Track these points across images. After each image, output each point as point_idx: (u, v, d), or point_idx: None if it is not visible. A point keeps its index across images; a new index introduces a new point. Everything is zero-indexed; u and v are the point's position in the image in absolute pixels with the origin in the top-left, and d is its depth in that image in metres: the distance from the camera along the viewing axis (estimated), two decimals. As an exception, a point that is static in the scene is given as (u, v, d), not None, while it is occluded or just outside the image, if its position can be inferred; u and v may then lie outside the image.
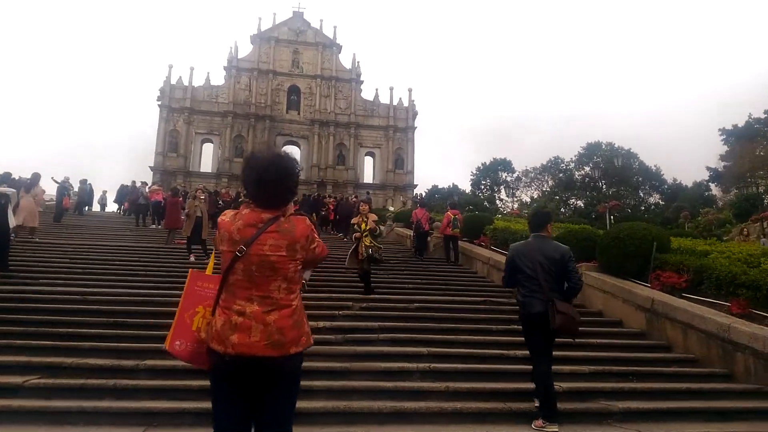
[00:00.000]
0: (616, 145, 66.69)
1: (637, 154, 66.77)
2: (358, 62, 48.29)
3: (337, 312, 8.33)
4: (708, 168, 56.43)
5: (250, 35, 47.31)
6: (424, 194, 49.05)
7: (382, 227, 23.66)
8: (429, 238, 17.25)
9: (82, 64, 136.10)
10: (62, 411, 4.87)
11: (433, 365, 6.35)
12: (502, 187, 72.93)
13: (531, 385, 5.45)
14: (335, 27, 48.90)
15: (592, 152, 67.21)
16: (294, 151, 47.04)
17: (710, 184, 57.40)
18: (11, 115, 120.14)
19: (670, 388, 6.38)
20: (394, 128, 47.04)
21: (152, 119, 49.48)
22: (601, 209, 36.29)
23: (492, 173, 72.54)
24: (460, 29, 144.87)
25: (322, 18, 49.67)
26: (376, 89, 48.64)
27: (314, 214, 21.47)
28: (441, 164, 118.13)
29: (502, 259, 9.85)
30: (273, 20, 47.93)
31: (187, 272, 2.89)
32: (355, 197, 32.28)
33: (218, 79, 46.40)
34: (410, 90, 48.65)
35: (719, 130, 54.19)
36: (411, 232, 17.92)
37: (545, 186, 71.52)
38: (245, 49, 47.03)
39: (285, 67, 47.10)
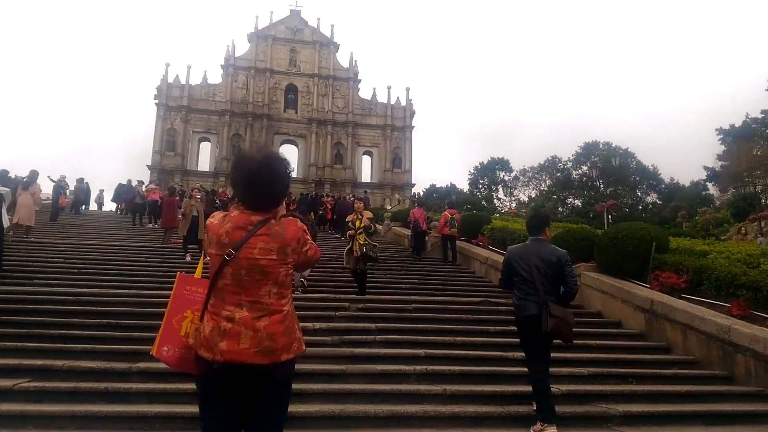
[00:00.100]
0: (613, 145, 66.80)
1: (634, 153, 66.90)
2: (356, 61, 48.30)
3: (334, 313, 8.23)
4: (705, 167, 56.51)
5: (248, 33, 47.27)
6: (421, 193, 48.87)
7: (380, 227, 23.69)
8: (427, 238, 17.18)
9: (79, 62, 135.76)
10: (53, 416, 4.77)
11: (430, 367, 6.27)
12: (499, 186, 72.85)
13: (529, 388, 5.37)
14: (332, 25, 48.93)
15: (589, 152, 67.24)
16: (291, 150, 47.03)
17: (707, 183, 57.47)
18: (9, 114, 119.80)
19: (670, 390, 6.31)
20: (392, 127, 47.01)
21: (149, 118, 49.18)
22: (598, 208, 36.29)
23: (490, 172, 72.52)
24: (459, 28, 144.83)
25: (320, 16, 49.98)
26: (374, 88, 48.67)
27: (312, 214, 21.41)
28: (439, 163, 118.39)
29: (500, 258, 9.78)
30: (270, 18, 47.88)
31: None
32: (353, 196, 32.20)
33: (215, 77, 46.42)
34: (408, 89, 48.79)
35: (716, 129, 54.23)
36: (408, 232, 17.85)
37: (543, 185, 71.56)
38: (242, 48, 47.03)
39: (282, 65, 47.02)
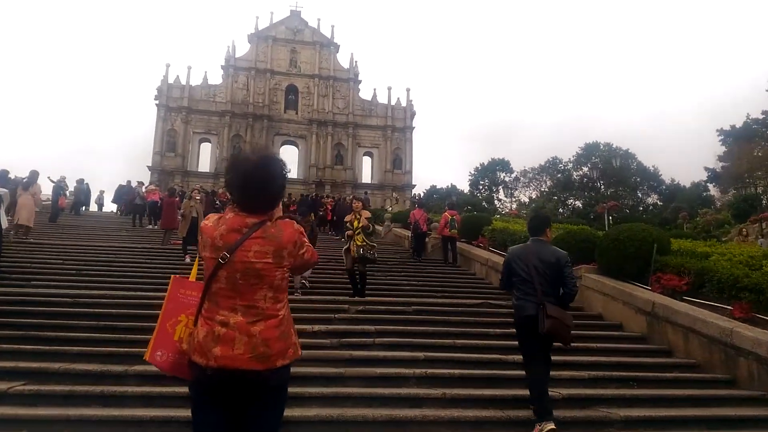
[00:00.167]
0: (614, 146, 66.79)
1: (635, 154, 66.92)
2: (356, 62, 48.26)
3: (333, 315, 8.17)
4: (706, 168, 56.45)
5: (248, 34, 47.22)
6: (422, 194, 48.85)
7: (380, 228, 23.61)
8: (427, 239, 17.12)
9: (80, 63, 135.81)
10: (47, 420, 4.71)
11: (429, 371, 6.21)
12: (500, 187, 72.89)
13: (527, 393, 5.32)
14: (333, 26, 48.88)
15: (590, 153, 67.23)
16: (292, 151, 47.03)
17: (708, 184, 57.40)
18: (9, 115, 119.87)
19: (672, 394, 6.25)
20: (393, 128, 46.96)
21: (150, 118, 49.19)
22: (599, 210, 36.26)
23: (490, 173, 72.50)
24: (459, 29, 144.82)
25: (320, 17, 49.89)
26: (374, 89, 48.63)
27: (312, 215, 21.34)
28: (439, 164, 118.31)
29: (501, 260, 9.73)
30: (270, 19, 47.84)
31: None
32: (353, 197, 32.14)
33: (216, 78, 46.37)
34: (408, 90, 48.71)
35: (717, 130, 54.18)
36: (409, 233, 17.80)
37: (543, 186, 71.53)
38: (243, 48, 46.98)
39: (283, 66, 46.99)
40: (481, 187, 72.23)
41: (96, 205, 31.43)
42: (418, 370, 6.19)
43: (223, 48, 55.41)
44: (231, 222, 2.39)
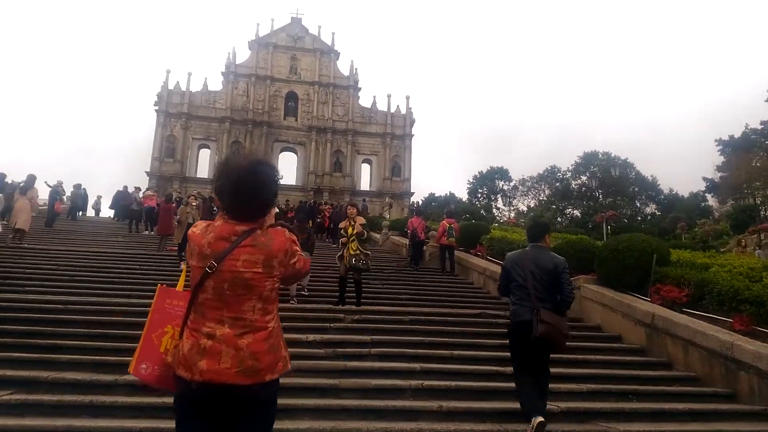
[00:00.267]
0: (612, 155, 66.88)
1: (633, 164, 66.97)
2: (356, 69, 48.30)
3: (328, 324, 8.08)
4: (704, 178, 56.51)
5: (248, 41, 47.30)
6: (420, 202, 48.72)
7: (377, 235, 23.47)
8: (425, 248, 17.03)
9: (80, 69, 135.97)
10: (34, 431, 4.61)
11: (426, 383, 6.09)
12: (498, 195, 72.88)
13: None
14: (333, 33, 48.98)
15: (588, 162, 67.30)
16: (291, 158, 46.99)
17: (707, 194, 57.42)
18: (9, 119, 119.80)
19: (672, 408, 6.13)
20: (392, 135, 46.95)
21: (149, 124, 49.12)
22: (598, 219, 36.20)
23: (489, 182, 72.51)
24: (459, 37, 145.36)
25: (321, 24, 49.91)
26: (374, 96, 48.65)
27: (310, 222, 21.24)
28: (438, 172, 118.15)
29: (499, 269, 9.63)
30: (271, 26, 47.92)
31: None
32: (348, 203, 32.00)
33: (216, 84, 46.39)
34: (408, 97, 48.69)
35: (715, 140, 54.28)
36: (407, 241, 17.70)
37: (542, 195, 71.57)
38: (243, 55, 47.04)
39: (283, 73, 47.02)
40: (479, 196, 72.23)
41: (93, 211, 31.35)
42: (414, 382, 6.08)
43: (224, 54, 55.64)
44: (220, 230, 2.30)
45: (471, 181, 73.50)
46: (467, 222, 22.75)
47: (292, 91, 46.88)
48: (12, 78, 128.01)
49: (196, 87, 45.46)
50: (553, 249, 9.40)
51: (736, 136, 52.45)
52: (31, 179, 15.98)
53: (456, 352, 7.26)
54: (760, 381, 6.24)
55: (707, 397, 6.59)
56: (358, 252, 9.44)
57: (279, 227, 2.42)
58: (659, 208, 64.93)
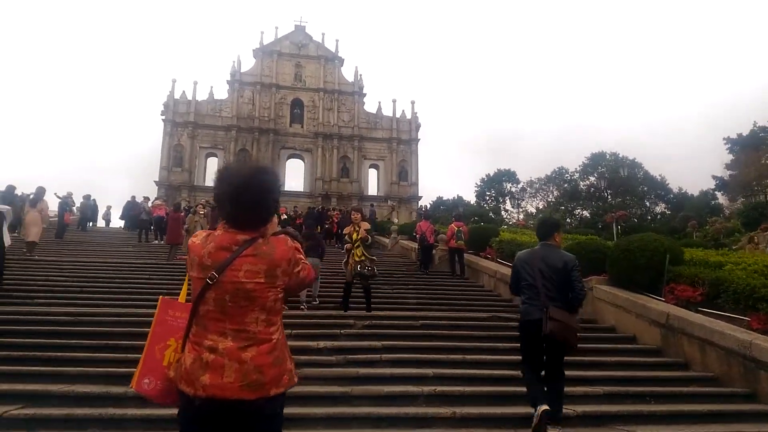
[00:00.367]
0: (620, 155, 66.44)
1: (641, 163, 66.46)
2: (361, 75, 48.39)
3: (339, 331, 8.01)
4: (714, 177, 56.03)
5: (253, 49, 47.45)
6: (428, 206, 48.63)
7: (386, 240, 23.39)
8: (434, 251, 16.93)
9: (88, 79, 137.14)
10: (42, 445, 4.57)
11: (438, 388, 6.01)
12: (507, 198, 72.62)
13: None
14: (337, 40, 49.13)
15: (596, 162, 66.93)
16: (298, 165, 47.07)
17: (716, 192, 56.90)
18: (19, 131, 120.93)
19: (691, 410, 6.00)
20: (398, 140, 46.92)
21: (157, 134, 49.41)
22: (608, 219, 35.93)
23: (497, 184, 72.28)
24: (463, 40, 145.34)
25: (324, 31, 49.86)
26: (379, 102, 48.70)
27: (318, 228, 21.20)
28: (445, 176, 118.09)
29: (509, 272, 9.52)
30: (275, 34, 48.08)
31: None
32: (352, 209, 31.94)
33: (221, 93, 46.55)
34: (413, 102, 48.63)
35: (724, 139, 53.92)
36: (416, 245, 17.62)
37: (550, 196, 71.21)
38: (248, 63, 47.17)
39: (288, 80, 47.14)
40: (487, 198, 71.97)
41: (103, 221, 31.48)
42: (426, 388, 6.00)
43: (229, 63, 55.67)
44: (220, 239, 2.23)
45: (479, 183, 73.37)
46: (476, 225, 22.60)
47: (298, 98, 46.98)
48: (20, 91, 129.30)
49: (202, 96, 45.71)
50: (563, 250, 9.32)
51: (744, 134, 52.05)
52: (41, 191, 16.05)
53: (468, 357, 7.18)
54: (781, 381, 6.11)
55: (726, 397, 6.46)
56: (363, 258, 9.36)
57: (282, 235, 2.35)
58: (669, 207, 64.38)
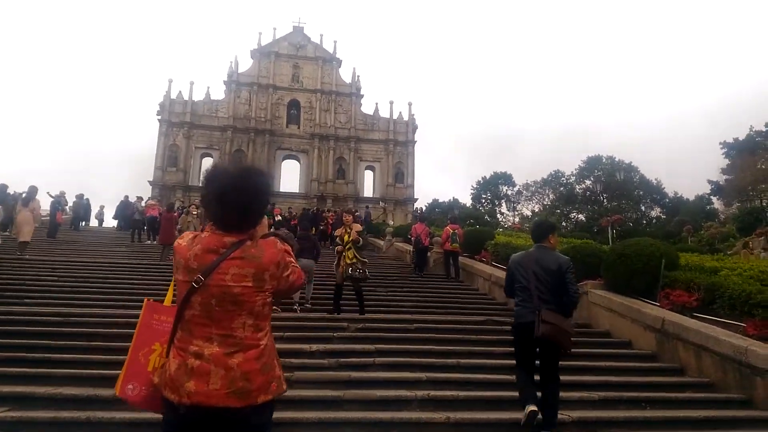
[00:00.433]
0: (616, 159, 66.56)
1: (637, 167, 66.58)
2: (358, 76, 48.27)
3: (332, 333, 7.92)
4: (709, 181, 56.21)
5: (250, 50, 47.31)
6: (424, 208, 48.61)
7: (381, 242, 23.28)
8: (429, 254, 16.87)
9: (82, 79, 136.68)
10: (27, 449, 4.47)
11: (432, 393, 5.93)
12: (502, 200, 72.65)
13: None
14: (335, 41, 48.98)
15: (592, 166, 67.04)
16: (294, 166, 46.96)
17: (712, 197, 57.06)
18: (12, 130, 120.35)
19: (686, 416, 5.95)
20: (394, 142, 46.84)
21: (152, 134, 49.21)
22: (603, 223, 35.95)
23: (492, 187, 72.31)
24: (460, 43, 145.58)
25: (323, 33, 49.82)
26: (376, 103, 48.58)
27: (313, 229, 21.10)
28: (441, 178, 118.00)
29: (504, 275, 9.49)
30: (273, 35, 47.93)
31: None
32: (356, 211, 31.89)
33: (218, 93, 46.33)
34: (410, 104, 48.53)
35: (720, 143, 54.12)
36: (411, 248, 17.56)
37: (546, 200, 71.25)
38: (245, 64, 47.02)
39: (285, 81, 47.00)
40: (483, 201, 72.01)
41: (96, 221, 31.32)
42: (420, 392, 5.92)
43: (226, 64, 55.69)
44: (207, 241, 2.16)
45: (475, 186, 73.40)
46: (471, 227, 22.58)
47: (295, 99, 46.86)
48: (15, 89, 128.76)
49: (198, 96, 45.49)
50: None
51: (740, 139, 52.22)
52: (33, 191, 15.91)
53: (463, 361, 7.10)
54: (777, 387, 6.06)
55: (722, 403, 6.40)
56: (354, 261, 9.28)
57: (271, 237, 2.28)
58: (664, 212, 64.52)
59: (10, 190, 19.37)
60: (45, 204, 21.04)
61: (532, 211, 69.61)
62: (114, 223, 28.95)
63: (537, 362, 5.22)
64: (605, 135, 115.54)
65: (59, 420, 4.93)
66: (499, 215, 69.61)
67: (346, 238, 9.46)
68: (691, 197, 61.64)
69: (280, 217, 23.00)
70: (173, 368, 2.08)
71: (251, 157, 42.76)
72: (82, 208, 26.51)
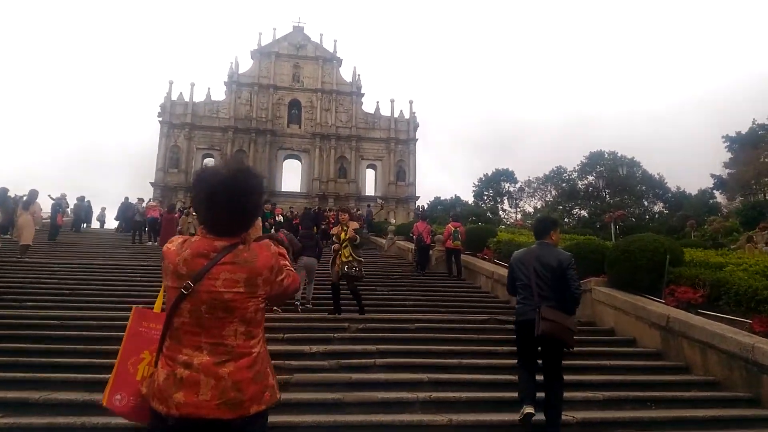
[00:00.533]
0: (619, 154, 66.30)
1: (640, 162, 66.33)
2: (359, 75, 48.18)
3: (332, 334, 7.83)
4: (712, 175, 55.94)
5: (251, 50, 47.24)
6: (426, 206, 48.44)
7: (383, 240, 23.19)
8: (431, 252, 16.77)
9: (84, 81, 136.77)
10: (23, 456, 4.39)
11: (434, 394, 5.84)
12: (504, 197, 72.52)
13: (541, 417, 4.98)
14: (335, 41, 48.89)
15: (594, 161, 66.82)
16: (295, 165, 46.91)
17: (715, 191, 56.82)
18: (13, 131, 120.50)
19: (692, 416, 5.85)
20: (396, 140, 46.74)
21: (153, 135, 49.14)
22: (606, 219, 35.88)
23: (494, 184, 72.17)
24: (460, 40, 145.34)
25: (323, 32, 49.65)
26: (377, 102, 48.50)
27: (315, 228, 21.00)
28: (443, 175, 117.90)
29: (506, 273, 9.42)
30: (273, 35, 47.84)
31: None
32: (357, 209, 31.84)
33: (219, 94, 46.28)
34: (411, 102, 48.40)
35: (723, 137, 53.83)
36: (412, 246, 17.47)
37: (548, 196, 71.10)
38: (246, 64, 46.95)
39: (286, 81, 46.92)
40: (485, 198, 71.87)
41: (98, 223, 31.27)
42: (422, 394, 5.83)
43: (226, 64, 55.46)
44: (197, 245, 2.07)
45: (476, 183, 73.26)
46: (473, 225, 22.48)
47: (295, 98, 46.78)
48: (16, 91, 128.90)
49: (199, 97, 45.44)
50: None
51: (743, 132, 51.97)
52: (33, 194, 15.89)
53: (465, 361, 7.01)
54: (784, 385, 5.96)
55: (728, 402, 6.31)
56: (350, 259, 9.19)
57: (264, 240, 2.19)
58: (667, 207, 64.31)
59: (11, 194, 19.34)
60: (46, 207, 21.03)
61: (535, 208, 69.44)
62: (116, 224, 28.92)
63: (540, 361, 5.15)
64: (607, 128, 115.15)
65: (55, 426, 4.85)
66: (501, 212, 69.46)
67: (342, 236, 9.38)
68: (694, 192, 61.49)
69: (281, 218, 22.87)
70: (161, 378, 2.00)
71: (252, 158, 42.76)
72: (83, 210, 26.48)
